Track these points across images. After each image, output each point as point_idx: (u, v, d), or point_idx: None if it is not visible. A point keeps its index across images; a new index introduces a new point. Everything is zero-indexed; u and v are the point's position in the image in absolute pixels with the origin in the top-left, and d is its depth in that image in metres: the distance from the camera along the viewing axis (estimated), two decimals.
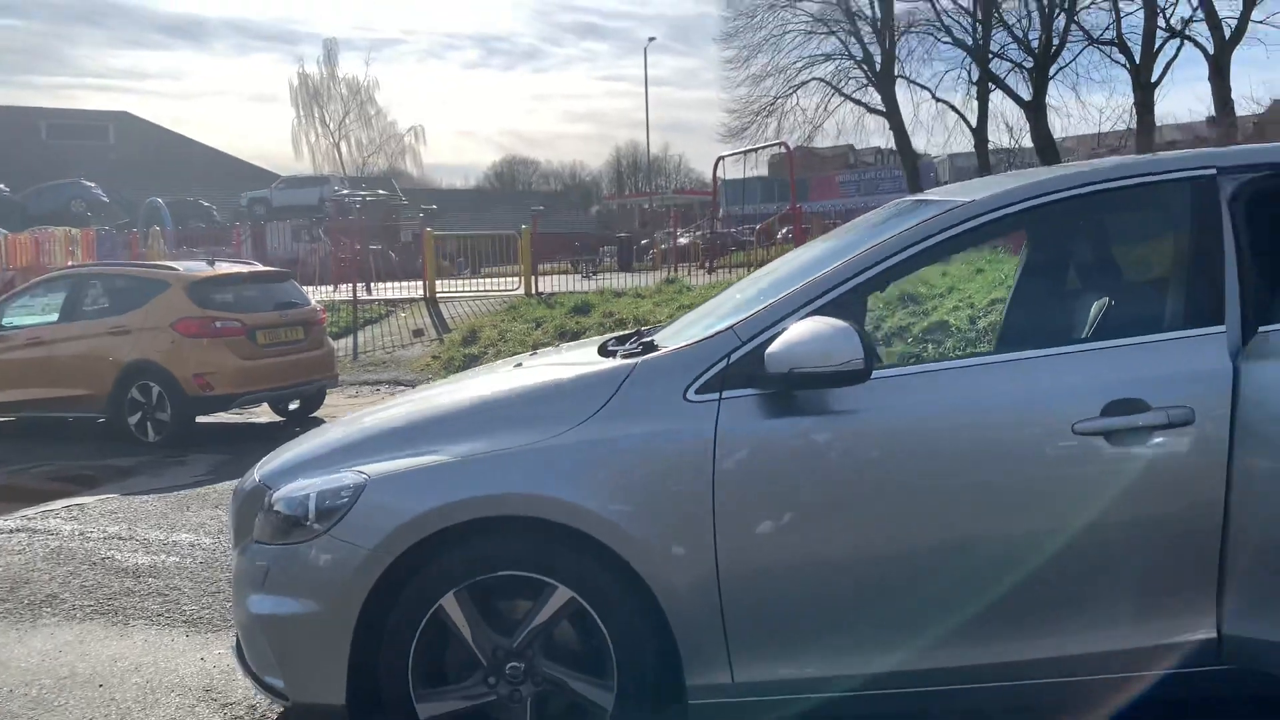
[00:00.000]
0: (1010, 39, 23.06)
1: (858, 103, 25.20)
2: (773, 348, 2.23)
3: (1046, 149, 22.46)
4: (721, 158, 22.27)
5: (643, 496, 2.26)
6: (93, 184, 29.38)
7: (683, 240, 21.09)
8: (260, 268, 9.14)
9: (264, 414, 8.90)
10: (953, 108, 24.48)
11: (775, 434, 2.27)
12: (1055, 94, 29.26)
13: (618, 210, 41.95)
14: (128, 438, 7.62)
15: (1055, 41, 22.41)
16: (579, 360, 2.72)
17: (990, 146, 24.68)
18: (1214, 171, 2.39)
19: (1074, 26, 22.30)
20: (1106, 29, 22.04)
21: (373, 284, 16.38)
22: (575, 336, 10.95)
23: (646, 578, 2.24)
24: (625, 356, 2.52)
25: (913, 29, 24.33)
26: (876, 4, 24.32)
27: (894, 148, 26.86)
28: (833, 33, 24.70)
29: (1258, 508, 2.16)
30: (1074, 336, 2.64)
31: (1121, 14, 21.63)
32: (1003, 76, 23.37)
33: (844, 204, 25.42)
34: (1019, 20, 22.79)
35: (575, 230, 30.64)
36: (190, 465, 6.85)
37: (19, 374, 8.09)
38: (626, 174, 58.28)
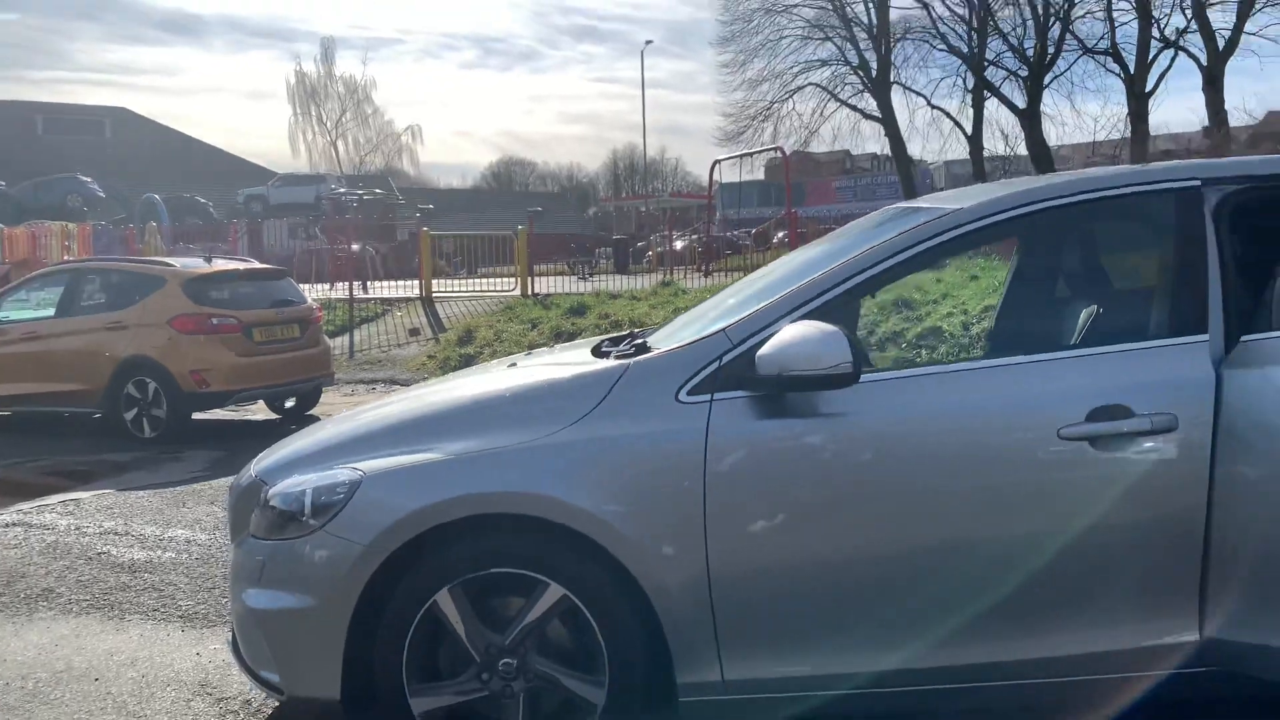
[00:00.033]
0: (1005, 47, 23.19)
1: (853, 108, 25.30)
2: (764, 350, 2.27)
3: (1041, 157, 22.56)
4: (718, 161, 22.36)
5: (635, 496, 2.29)
6: (89, 179, 29.36)
7: (679, 243, 21.15)
8: (257, 265, 9.15)
9: (260, 411, 8.91)
10: (948, 115, 24.60)
11: (766, 435, 2.31)
12: (1050, 102, 29.36)
13: (614, 212, 42.00)
14: (123, 433, 7.64)
15: (1050, 50, 22.52)
16: (573, 361, 2.76)
17: (986, 154, 24.79)
18: (1198, 183, 2.44)
19: (1069, 36, 22.43)
20: (1101, 39, 22.20)
21: (369, 283, 16.39)
22: (571, 337, 10.98)
23: (638, 576, 2.27)
24: (619, 357, 2.56)
25: (908, 36, 24.46)
26: (872, 10, 24.41)
27: (890, 154, 26.92)
28: (829, 38, 24.79)
29: (1239, 513, 2.20)
30: (1061, 343, 2.68)
31: (1116, 24, 21.78)
32: (998, 84, 23.50)
33: (840, 209, 25.52)
34: (1014, 29, 22.93)
35: (572, 232, 30.68)
36: (186, 461, 6.87)
37: (15, 369, 8.09)
38: (623, 176, 58.40)
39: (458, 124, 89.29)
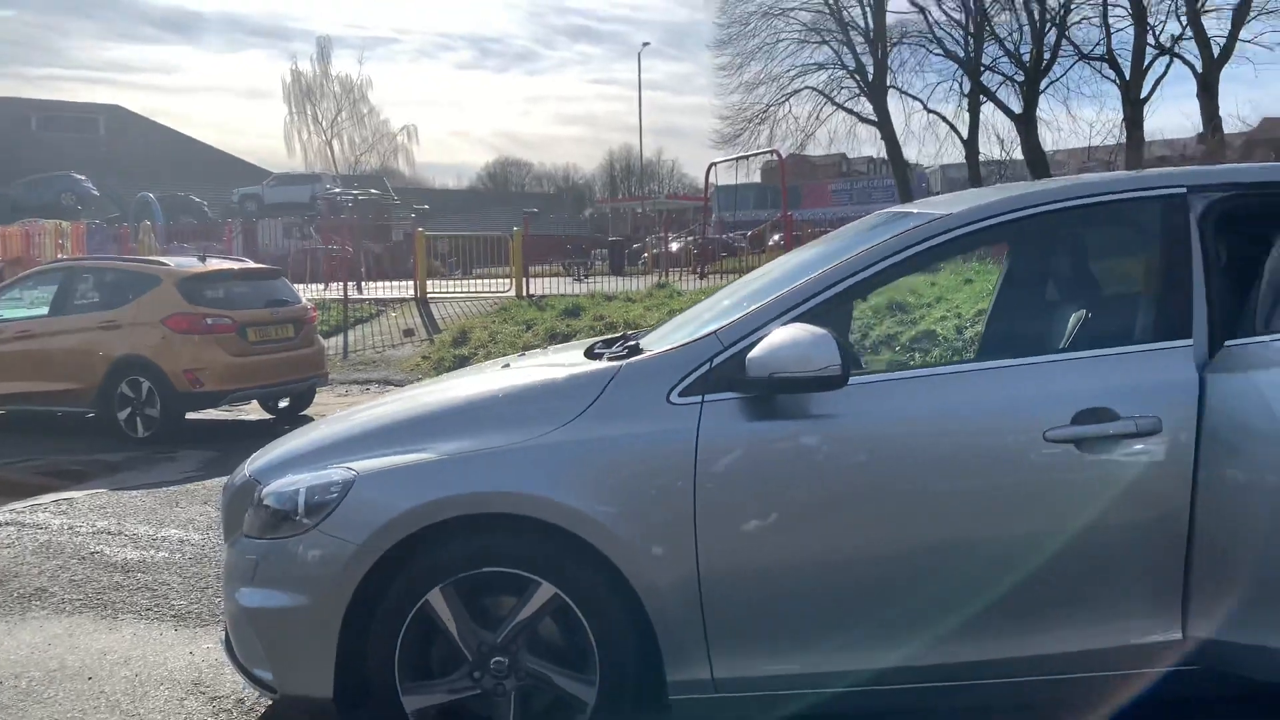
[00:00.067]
0: (1002, 52, 23.29)
1: (850, 112, 25.38)
2: (754, 353, 2.29)
3: (1037, 162, 22.66)
4: (714, 164, 22.38)
5: (626, 496, 2.31)
6: (83, 177, 29.30)
7: (675, 245, 21.17)
8: (252, 264, 9.15)
9: (254, 411, 8.91)
10: (944, 119, 24.70)
11: (755, 436, 2.33)
12: (1046, 107, 29.61)
13: (610, 214, 42.03)
14: (117, 433, 7.63)
15: (1046, 56, 22.63)
16: (566, 362, 2.78)
17: (981, 158, 24.88)
18: (1184, 190, 2.47)
19: (1065, 41, 22.54)
20: (1097, 45, 22.32)
21: (363, 283, 16.39)
22: (566, 339, 11.00)
23: (629, 575, 2.30)
24: (611, 359, 2.58)
25: (905, 40, 24.55)
26: (869, 14, 24.50)
27: (886, 157, 27.01)
28: (825, 42, 24.87)
29: (1221, 514, 2.23)
30: (1048, 347, 2.71)
31: (1112, 30, 21.90)
32: (994, 89, 23.59)
33: (836, 212, 25.53)
34: (1010, 34, 23.04)
35: (568, 233, 30.69)
36: (179, 461, 6.87)
37: (8, 368, 8.07)
38: (620, 178, 58.39)
39: (454, 124, 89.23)
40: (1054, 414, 2.28)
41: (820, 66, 25.03)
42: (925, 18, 23.57)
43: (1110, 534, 2.27)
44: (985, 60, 23.37)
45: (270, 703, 2.90)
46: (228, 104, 77.12)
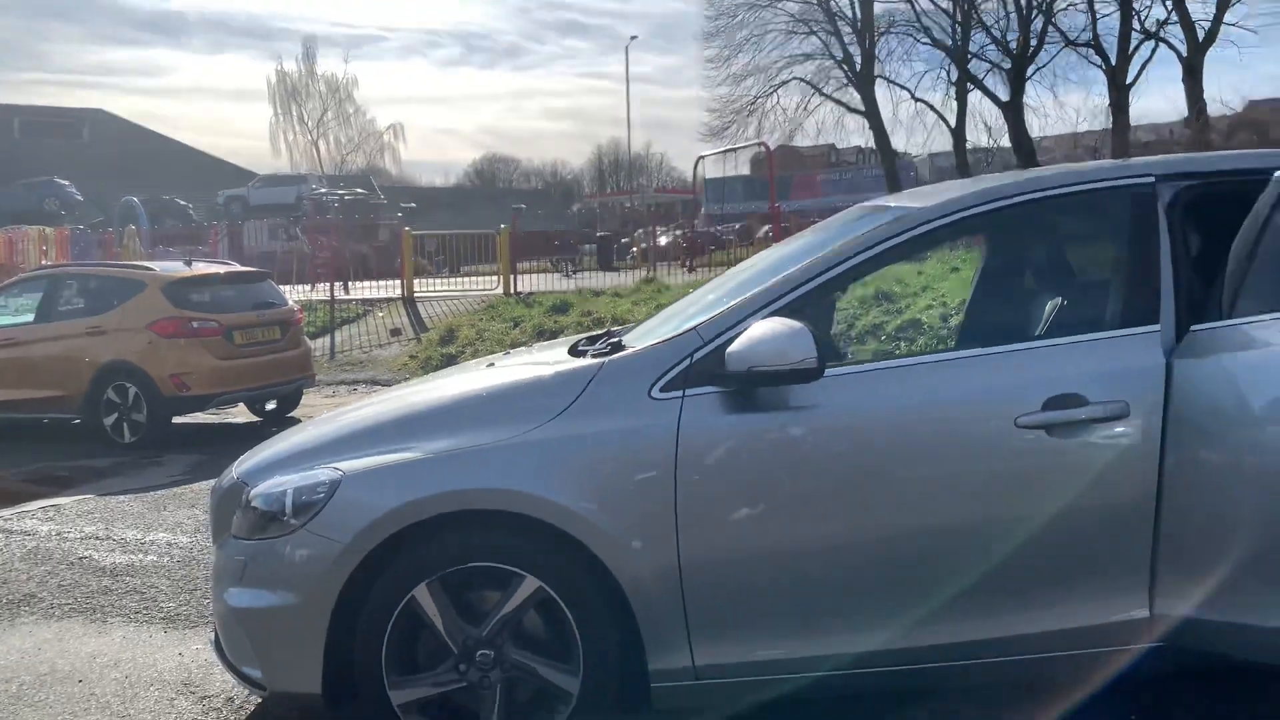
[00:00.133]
0: (989, 40, 23.33)
1: (838, 102, 25.40)
2: (733, 347, 2.33)
3: (1024, 149, 22.74)
4: (702, 157, 22.44)
5: (608, 490, 2.35)
6: (67, 182, 29.09)
7: (663, 240, 21.19)
8: (237, 268, 9.14)
9: (241, 414, 8.91)
10: (932, 108, 24.74)
11: (735, 429, 2.37)
12: (1033, 94, 29.64)
13: (599, 209, 42.00)
14: (103, 439, 7.62)
15: (1033, 43, 22.68)
16: (549, 360, 2.81)
17: (969, 146, 24.93)
18: (1152, 179, 2.52)
19: (1051, 28, 22.61)
20: (1083, 31, 22.38)
21: (350, 283, 16.36)
22: (553, 335, 11.02)
23: (612, 568, 2.33)
24: (594, 356, 2.61)
25: (892, 29, 24.56)
26: (856, 4, 24.50)
27: (874, 147, 27.05)
28: (813, 32, 24.86)
29: (1188, 495, 2.28)
30: (1021, 335, 2.75)
31: (1097, 16, 21.97)
32: (981, 77, 23.63)
33: (825, 203, 25.61)
34: (997, 21, 23.07)
35: (556, 229, 30.67)
36: (166, 466, 6.87)
37: None
38: (608, 172, 58.32)
39: (441, 121, 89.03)
40: (1025, 401, 2.32)
41: (808, 57, 25.05)
42: (912, 6, 23.60)
43: (1081, 516, 2.31)
44: (972, 48, 23.42)
45: (260, 700, 2.93)
46: (212, 106, 76.76)
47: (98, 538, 4.99)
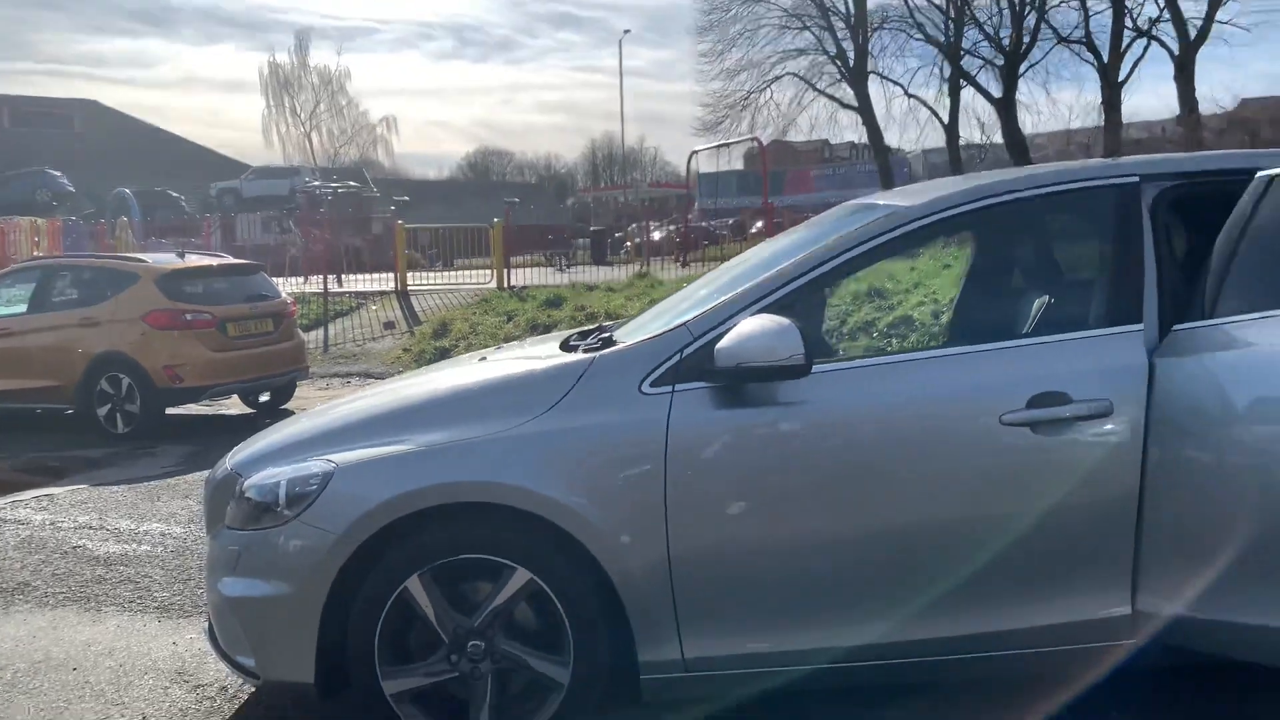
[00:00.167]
0: (982, 36, 23.40)
1: (831, 98, 25.44)
2: (722, 343, 2.36)
3: (1017, 145, 22.81)
4: (696, 152, 22.46)
5: (598, 484, 2.38)
6: (58, 173, 28.91)
7: (657, 234, 21.21)
8: (231, 260, 9.13)
9: (234, 406, 8.91)
10: (925, 104, 24.81)
11: (724, 424, 2.40)
12: (1026, 91, 29.61)
13: (592, 203, 41.94)
14: (97, 429, 7.62)
15: (1026, 40, 22.75)
16: (541, 354, 2.84)
17: (962, 142, 25.01)
18: (1137, 179, 2.55)
19: (1044, 25, 22.67)
20: (1076, 28, 22.45)
21: (343, 276, 16.34)
22: (547, 330, 11.04)
23: (602, 560, 2.36)
24: (585, 351, 2.64)
25: (885, 25, 24.61)
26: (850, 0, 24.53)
27: (868, 143, 27.09)
28: (806, 28, 24.88)
29: (1169, 492, 2.32)
30: (1007, 333, 2.78)
31: (1090, 13, 22.03)
32: (974, 74, 23.70)
33: (819, 198, 25.64)
34: (990, 18, 23.14)
35: (549, 223, 30.63)
36: (160, 457, 6.88)
37: None
38: (602, 166, 58.28)
39: (434, 114, 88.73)
40: (1010, 398, 2.36)
41: (801, 52, 25.08)
42: (906, 2, 23.65)
43: (1064, 513, 2.35)
44: (965, 44, 23.48)
45: (253, 689, 2.96)
46: (205, 97, 76.41)
47: (91, 527, 5.00)
